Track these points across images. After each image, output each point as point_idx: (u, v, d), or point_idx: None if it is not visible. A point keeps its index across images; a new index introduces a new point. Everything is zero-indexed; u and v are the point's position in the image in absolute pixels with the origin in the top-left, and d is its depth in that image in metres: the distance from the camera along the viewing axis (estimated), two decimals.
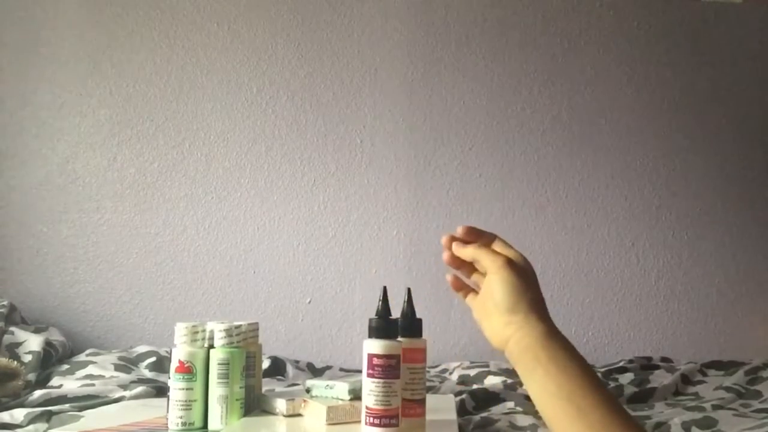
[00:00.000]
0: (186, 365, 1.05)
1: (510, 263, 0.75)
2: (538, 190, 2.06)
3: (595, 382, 0.69)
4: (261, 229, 2.00)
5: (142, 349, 1.76)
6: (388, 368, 0.93)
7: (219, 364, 1.06)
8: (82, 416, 1.22)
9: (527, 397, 1.50)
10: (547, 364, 0.70)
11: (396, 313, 1.02)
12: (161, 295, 1.97)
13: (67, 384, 1.46)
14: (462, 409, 1.35)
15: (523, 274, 0.75)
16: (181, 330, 1.07)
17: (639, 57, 2.11)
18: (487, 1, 2.09)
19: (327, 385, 1.11)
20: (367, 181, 2.03)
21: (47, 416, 1.22)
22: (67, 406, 1.27)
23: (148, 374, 1.61)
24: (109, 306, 1.96)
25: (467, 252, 0.80)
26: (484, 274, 0.81)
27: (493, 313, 0.76)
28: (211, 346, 1.08)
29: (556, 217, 2.05)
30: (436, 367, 1.83)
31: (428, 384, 1.51)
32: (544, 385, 0.70)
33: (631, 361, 1.81)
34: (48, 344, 1.63)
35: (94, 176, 1.99)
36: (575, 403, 0.67)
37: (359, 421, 0.96)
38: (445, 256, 0.86)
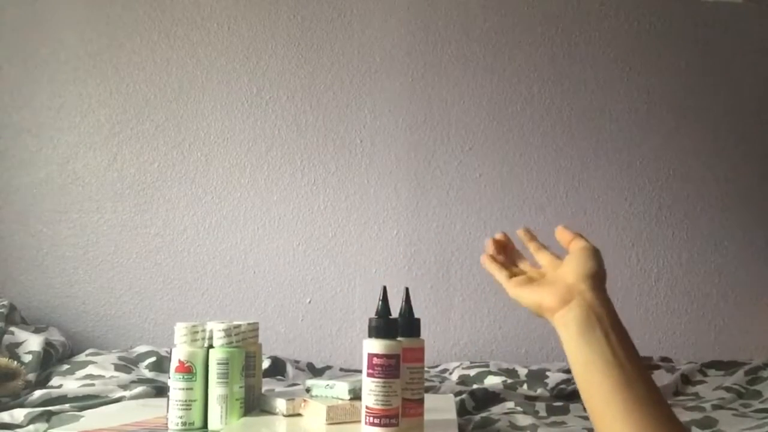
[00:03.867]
0: (186, 365, 1.05)
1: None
2: (538, 190, 2.06)
3: (642, 362, 0.73)
4: (261, 229, 2.00)
5: (142, 349, 1.76)
6: (388, 368, 0.93)
7: (219, 363, 1.06)
8: (82, 416, 1.22)
9: (527, 397, 1.50)
10: (608, 328, 0.73)
11: (396, 312, 1.02)
12: (161, 295, 1.97)
13: (67, 384, 1.46)
14: (462, 409, 1.35)
15: None
16: (181, 330, 1.07)
17: (639, 57, 2.11)
18: (487, 1, 2.09)
19: (327, 385, 1.11)
20: (367, 181, 2.03)
21: (47, 416, 1.22)
22: (67, 406, 1.27)
23: (148, 374, 1.61)
24: (109, 306, 1.96)
25: (570, 234, 0.84)
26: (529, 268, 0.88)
27: (561, 279, 0.79)
28: (211, 346, 1.09)
29: (556, 217, 2.05)
30: (436, 367, 1.83)
31: (428, 384, 1.51)
32: (600, 347, 0.72)
33: None
34: (48, 344, 1.63)
35: (94, 176, 1.99)
36: (626, 371, 0.70)
37: (359, 421, 0.96)
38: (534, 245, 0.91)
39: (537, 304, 0.80)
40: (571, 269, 0.79)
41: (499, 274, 0.87)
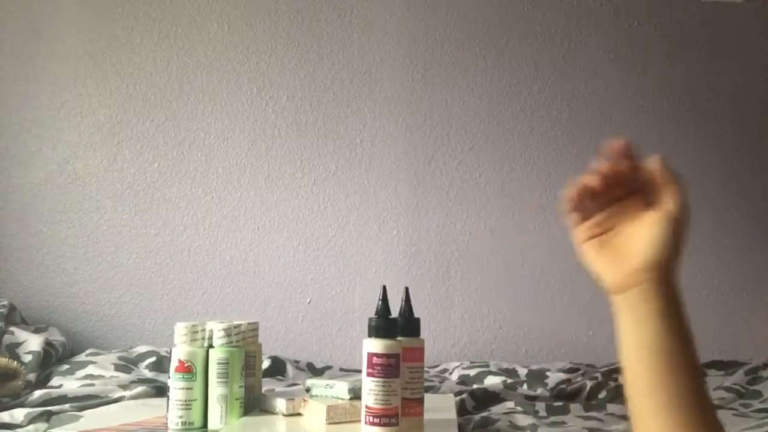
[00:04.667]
0: (186, 365, 1.05)
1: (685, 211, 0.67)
2: (538, 190, 2.06)
3: (697, 359, 0.67)
4: (261, 229, 2.00)
5: (142, 349, 1.76)
6: (387, 367, 0.93)
7: (218, 363, 1.06)
8: (82, 416, 1.22)
9: (527, 397, 1.50)
10: (665, 318, 0.66)
11: (396, 312, 1.02)
12: (161, 295, 1.97)
13: (67, 384, 1.46)
14: (462, 409, 1.35)
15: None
16: (180, 330, 1.07)
17: (639, 57, 2.11)
18: (487, 1, 2.09)
19: (327, 385, 1.11)
20: (367, 181, 2.03)
21: (47, 416, 1.22)
22: (67, 406, 1.27)
23: (148, 374, 1.61)
24: (109, 306, 1.96)
25: (663, 173, 0.69)
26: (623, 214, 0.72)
27: (626, 256, 0.69)
28: (211, 346, 1.09)
29: (556, 217, 2.05)
30: (436, 367, 1.83)
31: (428, 384, 1.51)
32: (653, 337, 0.66)
33: None
34: (48, 344, 1.63)
35: (94, 176, 1.99)
36: (674, 363, 0.65)
37: (359, 421, 0.96)
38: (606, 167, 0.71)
39: (597, 277, 0.70)
40: (640, 247, 0.67)
41: (576, 230, 0.72)
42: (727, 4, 2.14)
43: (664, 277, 0.68)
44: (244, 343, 1.11)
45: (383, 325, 0.96)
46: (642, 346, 0.67)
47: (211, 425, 1.06)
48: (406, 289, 1.05)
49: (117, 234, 1.98)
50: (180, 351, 1.06)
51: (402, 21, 2.07)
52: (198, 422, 1.06)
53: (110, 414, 1.23)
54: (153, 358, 1.68)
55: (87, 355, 1.68)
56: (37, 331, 1.71)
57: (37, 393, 1.33)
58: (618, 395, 1.53)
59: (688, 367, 0.66)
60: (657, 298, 0.67)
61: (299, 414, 1.09)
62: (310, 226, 2.01)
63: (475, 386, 1.55)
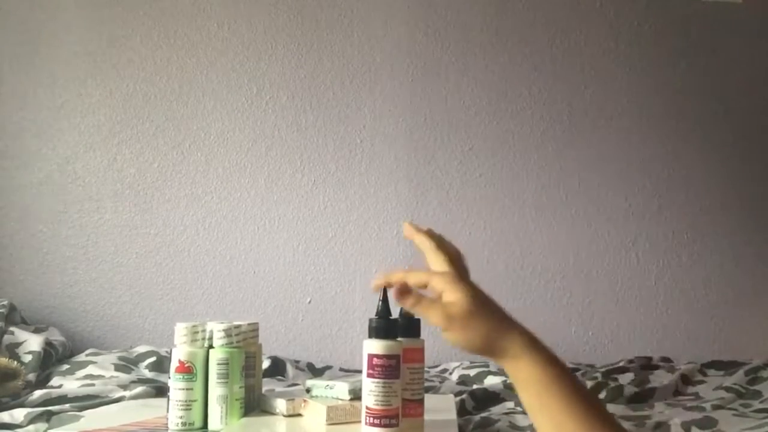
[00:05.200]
0: (186, 365, 1.05)
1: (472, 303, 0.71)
2: (538, 190, 2.06)
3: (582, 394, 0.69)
4: (261, 229, 2.00)
5: (142, 349, 1.76)
6: (388, 368, 0.93)
7: (219, 364, 1.06)
8: (82, 416, 1.22)
9: None
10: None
11: (396, 313, 1.01)
12: (161, 295, 1.97)
13: (67, 384, 1.46)
14: (462, 409, 1.35)
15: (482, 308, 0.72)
16: (181, 330, 1.07)
17: (639, 57, 2.10)
18: (487, 1, 2.09)
19: (327, 385, 1.11)
20: (367, 181, 2.03)
21: (47, 416, 1.22)
22: (67, 406, 1.27)
23: (148, 374, 1.61)
24: (109, 306, 1.96)
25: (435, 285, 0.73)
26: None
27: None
28: (211, 346, 1.09)
29: (556, 217, 2.05)
30: (436, 367, 1.83)
31: (428, 384, 1.51)
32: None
33: (631, 361, 1.81)
34: (48, 344, 1.63)
35: (94, 176, 1.99)
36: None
37: (359, 422, 0.96)
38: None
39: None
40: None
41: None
42: (727, 4, 2.14)
43: (501, 357, 0.71)
44: (245, 344, 1.11)
45: (383, 325, 0.96)
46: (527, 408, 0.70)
47: (211, 426, 1.06)
48: None
49: (117, 234, 1.98)
50: (180, 351, 1.06)
51: (402, 21, 2.07)
52: (198, 423, 1.06)
53: (110, 414, 1.23)
54: (153, 358, 1.68)
55: (87, 355, 1.68)
56: (37, 331, 1.71)
57: (37, 393, 1.33)
58: (618, 395, 1.53)
59: (578, 415, 0.67)
60: (509, 373, 0.71)
61: (299, 415, 1.09)
62: (310, 226, 2.01)
63: (475, 386, 1.55)
